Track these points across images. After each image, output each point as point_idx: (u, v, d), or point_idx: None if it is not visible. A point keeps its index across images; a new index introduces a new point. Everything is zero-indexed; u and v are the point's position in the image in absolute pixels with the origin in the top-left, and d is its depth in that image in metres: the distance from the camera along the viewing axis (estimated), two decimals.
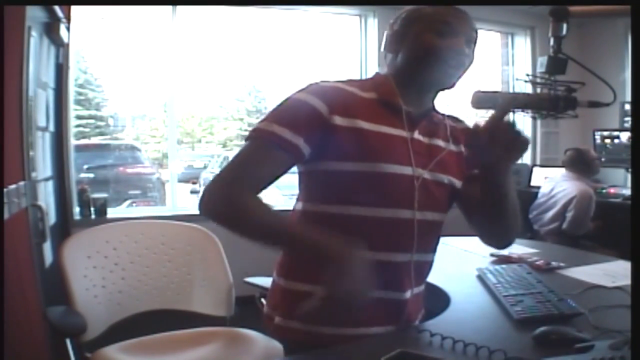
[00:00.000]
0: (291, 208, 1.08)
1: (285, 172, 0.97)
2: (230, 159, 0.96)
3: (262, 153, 0.94)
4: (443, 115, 1.10)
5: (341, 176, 0.96)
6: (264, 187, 0.94)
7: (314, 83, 1.00)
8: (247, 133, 0.98)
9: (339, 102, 0.96)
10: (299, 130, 0.93)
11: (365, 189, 0.96)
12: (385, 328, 1.01)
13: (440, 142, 1.07)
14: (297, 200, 1.06)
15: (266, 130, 0.94)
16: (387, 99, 1.01)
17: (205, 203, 0.92)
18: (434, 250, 1.08)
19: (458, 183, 1.07)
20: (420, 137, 1.03)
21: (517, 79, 4.14)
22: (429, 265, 1.08)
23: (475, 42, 1.04)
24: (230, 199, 0.90)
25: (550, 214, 3.12)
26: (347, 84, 1.01)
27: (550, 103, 1.42)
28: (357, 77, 1.08)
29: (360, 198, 0.96)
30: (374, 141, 0.96)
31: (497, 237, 1.09)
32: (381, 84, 1.03)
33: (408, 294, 1.02)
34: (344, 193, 0.97)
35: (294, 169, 1.01)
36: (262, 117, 0.99)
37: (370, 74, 1.12)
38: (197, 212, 0.93)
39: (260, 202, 0.92)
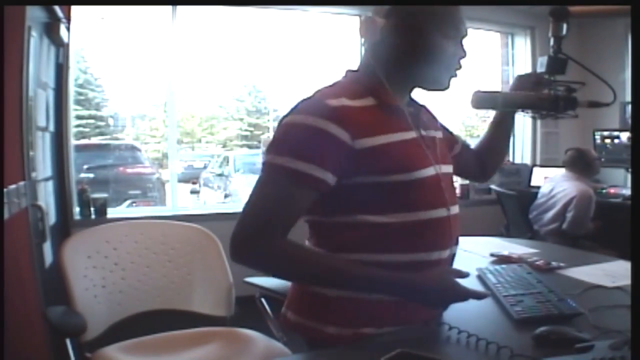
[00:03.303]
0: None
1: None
2: (253, 197, 0.92)
3: (289, 192, 0.90)
4: (417, 103, 1.10)
5: (376, 188, 0.94)
6: (293, 225, 0.93)
7: (313, 101, 0.94)
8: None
9: (353, 123, 0.91)
10: (326, 164, 0.90)
11: (400, 198, 0.95)
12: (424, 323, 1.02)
13: (434, 133, 1.09)
14: (319, 213, 1.00)
15: (290, 168, 0.89)
16: (387, 103, 0.99)
17: (239, 253, 0.91)
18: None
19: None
20: (425, 133, 1.05)
21: None
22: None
23: (462, 38, 1.04)
24: (267, 249, 0.90)
25: (550, 214, 3.12)
26: (342, 95, 0.94)
27: (550, 103, 1.42)
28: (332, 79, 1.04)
29: (397, 206, 0.95)
30: (396, 152, 0.95)
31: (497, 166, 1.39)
32: (374, 87, 0.99)
33: None
34: (383, 203, 0.95)
35: None
36: (276, 145, 0.93)
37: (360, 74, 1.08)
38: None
39: (298, 246, 0.93)
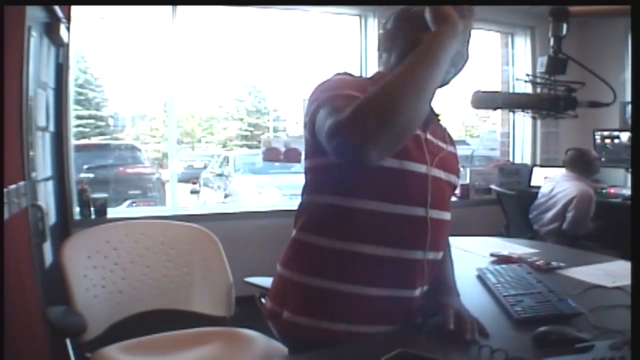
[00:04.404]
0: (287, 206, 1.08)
1: None
2: (324, 105, 0.90)
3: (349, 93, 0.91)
4: (435, 113, 1.12)
5: (362, 171, 0.95)
6: None
7: (340, 74, 1.02)
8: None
9: None
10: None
11: (383, 185, 0.96)
12: (393, 326, 1.01)
13: (442, 143, 1.10)
14: (308, 193, 1.05)
15: (342, 93, 0.91)
16: None
17: (345, 128, 0.78)
18: (442, 249, 1.09)
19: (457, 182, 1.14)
20: (432, 138, 1.05)
21: (517, 79, 4.14)
22: (438, 264, 1.09)
23: (468, 40, 1.04)
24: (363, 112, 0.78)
25: (550, 214, 3.12)
26: (364, 83, 1.00)
27: (550, 103, 1.42)
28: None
29: (380, 194, 0.96)
30: None
31: None
32: None
33: (418, 292, 1.04)
34: (363, 188, 0.96)
35: (299, 168, 1.01)
36: (318, 93, 0.95)
37: (370, 74, 1.12)
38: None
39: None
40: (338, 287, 0.97)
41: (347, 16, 3.95)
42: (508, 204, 3.52)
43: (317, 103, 0.93)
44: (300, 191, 1.08)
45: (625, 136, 3.71)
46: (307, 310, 0.99)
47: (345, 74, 1.05)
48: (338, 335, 0.97)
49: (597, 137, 3.84)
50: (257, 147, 5.97)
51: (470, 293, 1.28)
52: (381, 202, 0.96)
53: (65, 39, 2.63)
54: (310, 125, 0.95)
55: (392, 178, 0.96)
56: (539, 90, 1.52)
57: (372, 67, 3.82)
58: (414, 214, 0.99)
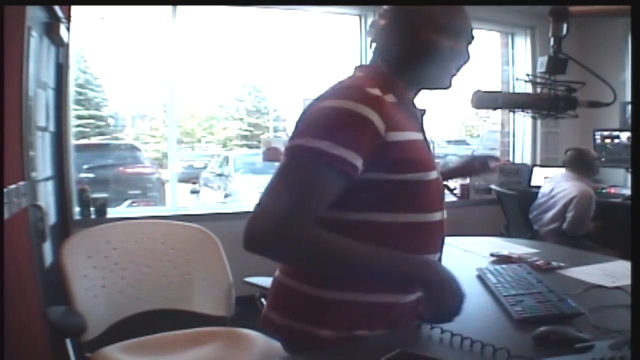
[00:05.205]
0: None
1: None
2: (283, 180, 0.87)
3: (325, 177, 0.85)
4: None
5: (390, 186, 0.93)
6: (320, 213, 0.87)
7: (352, 88, 0.93)
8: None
9: (388, 115, 0.91)
10: (361, 152, 0.87)
11: (410, 197, 0.95)
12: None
13: (426, 137, 1.08)
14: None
15: (329, 152, 0.84)
16: (405, 102, 1.01)
17: (264, 242, 0.83)
18: None
19: None
20: (426, 136, 1.05)
21: (517, 79, 4.13)
22: None
23: (470, 41, 1.04)
24: (300, 236, 0.83)
25: (551, 214, 3.12)
26: (376, 86, 0.95)
27: (550, 103, 1.42)
28: (350, 73, 1.04)
29: (406, 206, 0.95)
30: (414, 150, 0.95)
31: None
32: (392, 84, 1.00)
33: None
34: (393, 202, 0.94)
35: None
36: (312, 129, 0.88)
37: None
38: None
39: (324, 234, 0.85)
40: (354, 298, 0.96)
41: (347, 16, 3.95)
42: (508, 204, 3.52)
43: (291, 149, 0.88)
44: None
45: (625, 136, 3.71)
46: (348, 324, 0.97)
47: (363, 95, 0.91)
48: (377, 339, 0.95)
49: (597, 137, 3.84)
50: (257, 147, 5.98)
51: (470, 293, 1.27)
52: (410, 213, 0.95)
53: (65, 39, 2.63)
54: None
55: (417, 189, 0.95)
56: (539, 90, 1.52)
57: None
58: (436, 219, 0.99)
